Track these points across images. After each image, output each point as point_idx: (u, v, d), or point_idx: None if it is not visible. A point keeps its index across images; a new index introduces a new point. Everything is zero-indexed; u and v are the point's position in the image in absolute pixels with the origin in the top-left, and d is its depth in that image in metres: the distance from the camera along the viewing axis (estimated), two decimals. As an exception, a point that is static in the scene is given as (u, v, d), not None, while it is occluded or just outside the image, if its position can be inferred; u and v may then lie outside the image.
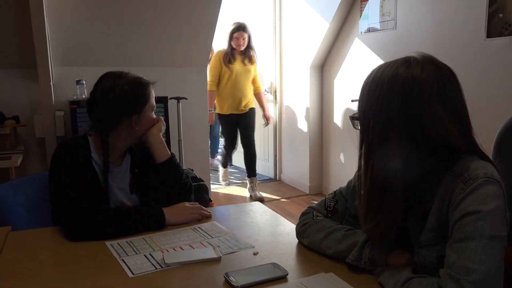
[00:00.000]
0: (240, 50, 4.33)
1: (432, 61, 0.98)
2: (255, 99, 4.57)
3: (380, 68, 1.01)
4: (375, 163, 0.98)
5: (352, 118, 1.08)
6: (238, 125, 4.53)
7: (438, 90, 0.94)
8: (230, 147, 4.69)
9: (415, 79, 0.94)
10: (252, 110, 4.51)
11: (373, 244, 1.05)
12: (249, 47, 4.38)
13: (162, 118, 1.60)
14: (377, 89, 0.97)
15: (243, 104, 4.41)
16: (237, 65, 4.35)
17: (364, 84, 1.03)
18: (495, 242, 0.87)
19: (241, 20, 4.46)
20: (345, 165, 4.25)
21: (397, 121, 0.95)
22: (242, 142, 4.58)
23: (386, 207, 0.98)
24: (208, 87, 4.18)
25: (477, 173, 0.91)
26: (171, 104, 3.52)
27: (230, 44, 4.32)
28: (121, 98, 1.44)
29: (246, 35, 4.29)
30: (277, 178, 5.22)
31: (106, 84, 1.46)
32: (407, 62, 0.98)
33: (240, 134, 4.58)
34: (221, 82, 4.38)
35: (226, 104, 4.40)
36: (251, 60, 4.40)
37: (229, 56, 4.34)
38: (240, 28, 4.28)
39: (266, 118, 4.65)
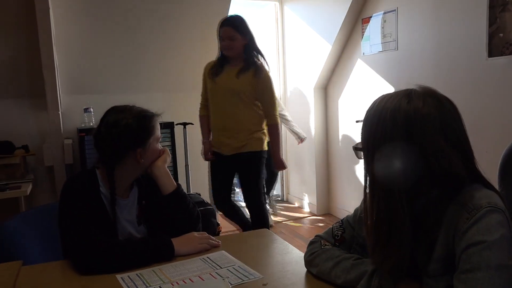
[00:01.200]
0: (229, 55, 2.79)
1: (433, 94, 1.00)
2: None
3: (382, 101, 1.02)
4: (381, 196, 0.99)
5: (356, 148, 1.09)
6: (231, 174, 3.04)
7: (441, 123, 0.96)
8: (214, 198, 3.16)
9: (417, 112, 0.96)
10: (251, 156, 2.84)
11: (382, 274, 1.05)
12: (249, 53, 2.80)
13: (167, 149, 1.62)
14: (380, 122, 0.99)
15: (234, 141, 2.84)
16: (222, 79, 2.82)
17: (366, 116, 1.04)
18: (502, 271, 0.87)
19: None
20: (352, 185, 4.25)
21: (401, 154, 0.96)
22: (246, 204, 3.08)
23: (394, 243, 0.98)
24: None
25: (481, 203, 0.92)
26: (178, 129, 3.55)
27: (220, 49, 2.86)
28: (125, 132, 1.47)
29: (234, 34, 2.72)
30: (284, 199, 5.21)
31: (111, 119, 1.50)
32: (408, 95, 0.99)
33: (241, 191, 3.09)
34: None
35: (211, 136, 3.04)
36: (253, 73, 2.76)
37: (215, 65, 2.86)
38: (224, 23, 2.76)
39: (276, 166, 3.02)
